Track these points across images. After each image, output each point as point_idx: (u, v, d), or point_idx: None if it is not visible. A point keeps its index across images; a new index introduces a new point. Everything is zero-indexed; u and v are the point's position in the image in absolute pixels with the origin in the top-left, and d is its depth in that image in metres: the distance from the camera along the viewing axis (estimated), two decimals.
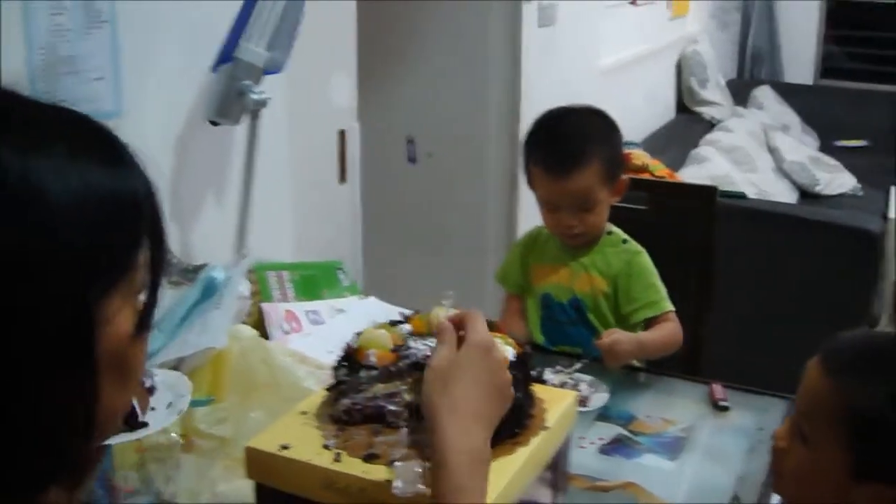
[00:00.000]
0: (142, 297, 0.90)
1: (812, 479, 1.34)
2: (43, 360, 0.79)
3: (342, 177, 2.58)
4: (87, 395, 0.84)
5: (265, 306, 2.15)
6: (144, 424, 1.47)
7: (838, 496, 1.30)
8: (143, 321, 0.90)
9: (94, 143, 0.87)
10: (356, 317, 2.21)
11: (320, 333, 2.18)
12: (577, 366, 2.09)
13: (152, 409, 1.48)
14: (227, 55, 1.92)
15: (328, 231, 2.60)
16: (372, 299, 2.35)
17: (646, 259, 2.23)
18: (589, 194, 2.13)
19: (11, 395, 0.78)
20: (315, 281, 2.36)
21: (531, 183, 2.22)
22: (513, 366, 1.39)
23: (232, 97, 1.92)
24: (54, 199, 0.79)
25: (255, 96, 1.91)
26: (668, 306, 2.20)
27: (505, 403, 1.26)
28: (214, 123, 1.99)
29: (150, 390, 1.57)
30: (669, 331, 2.19)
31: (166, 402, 1.53)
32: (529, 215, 3.51)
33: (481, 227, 3.68)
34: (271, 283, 2.25)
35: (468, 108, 3.61)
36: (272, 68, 1.95)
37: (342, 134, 2.57)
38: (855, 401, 1.27)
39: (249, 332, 1.77)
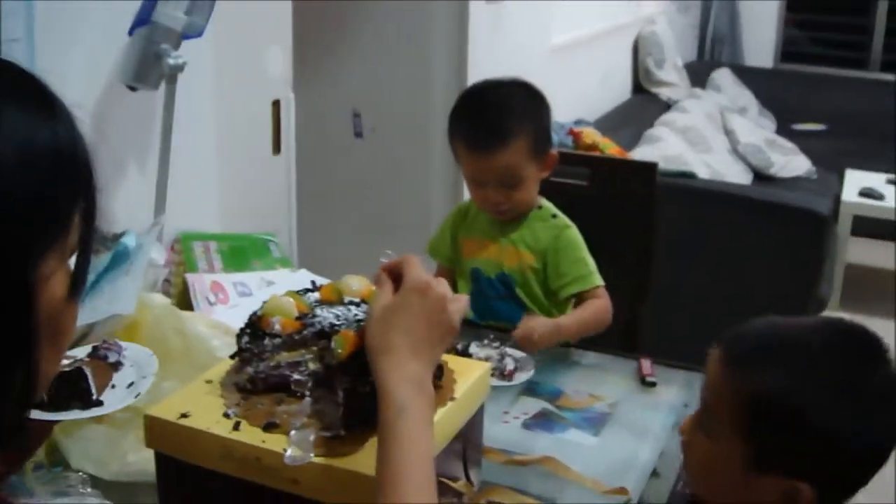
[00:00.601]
0: (72, 260, 0.89)
1: (716, 472, 1.31)
2: None
3: (276, 148, 2.54)
4: (28, 360, 0.83)
5: (189, 276, 2.12)
6: (99, 403, 1.40)
7: (742, 489, 1.27)
8: (77, 284, 0.89)
9: (30, 93, 0.85)
10: (285, 289, 2.17)
11: (248, 305, 2.12)
12: (507, 343, 2.06)
13: (112, 386, 1.40)
14: (144, 18, 1.88)
15: (261, 203, 2.56)
16: (303, 272, 2.31)
17: (574, 233, 2.20)
18: (514, 171, 2.09)
19: None
20: (244, 252, 2.32)
21: (457, 158, 2.19)
22: None
23: (149, 61, 1.88)
24: None
25: (171, 60, 1.86)
26: (597, 281, 2.17)
27: (448, 337, 1.25)
28: (132, 88, 1.94)
29: (115, 366, 1.50)
30: (593, 310, 2.15)
31: (128, 382, 1.45)
32: None
33: (425, 203, 3.65)
34: (197, 254, 2.21)
35: (414, 84, 3.58)
36: (191, 32, 1.91)
37: (276, 104, 2.53)
38: (753, 390, 1.25)
39: (162, 300, 1.73)
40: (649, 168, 2.67)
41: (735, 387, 1.27)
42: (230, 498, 1.32)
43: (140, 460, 1.56)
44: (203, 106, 2.23)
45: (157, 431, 1.35)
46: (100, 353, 1.36)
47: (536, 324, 2.04)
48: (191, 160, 2.19)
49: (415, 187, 3.66)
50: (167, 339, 1.69)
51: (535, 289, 2.21)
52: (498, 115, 2.10)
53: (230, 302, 2.15)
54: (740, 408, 1.25)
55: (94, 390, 1.33)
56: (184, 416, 1.33)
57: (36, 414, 1.22)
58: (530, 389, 1.97)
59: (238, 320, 1.97)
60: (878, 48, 7.33)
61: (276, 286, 2.22)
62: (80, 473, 1.54)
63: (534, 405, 1.92)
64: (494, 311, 2.23)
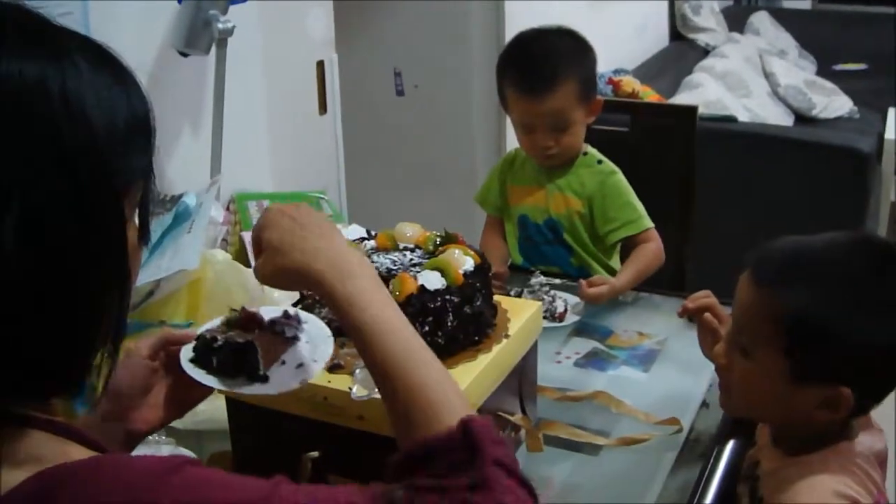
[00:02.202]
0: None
1: (756, 390, 1.37)
2: (88, 250, 0.85)
3: (323, 108, 2.59)
4: (123, 288, 0.90)
5: (246, 235, 2.18)
6: (265, 379, 1.25)
7: (784, 401, 1.33)
8: (144, 231, 0.96)
9: (107, 60, 0.91)
10: None
11: None
12: (556, 282, 2.11)
13: (283, 362, 1.27)
14: None
15: (310, 162, 2.62)
16: (354, 227, 2.36)
17: (621, 178, 2.24)
18: (563, 114, 2.14)
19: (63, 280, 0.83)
20: None
21: (505, 106, 2.23)
22: (471, 275, 1.42)
23: (199, 27, 1.94)
24: (90, 112, 0.84)
25: (221, 25, 1.92)
26: (648, 223, 2.21)
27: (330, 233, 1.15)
28: (184, 55, 2.00)
29: (291, 340, 1.34)
30: (645, 259, 2.19)
31: (297, 362, 1.29)
32: (516, 144, 3.53)
33: (469, 156, 3.69)
34: (252, 212, 2.28)
35: (453, 40, 3.61)
36: None
37: (321, 65, 2.58)
38: (786, 307, 1.30)
39: (224, 256, 1.80)
40: (689, 112, 2.69)
41: (768, 306, 1.32)
42: (300, 437, 1.38)
43: (209, 409, 1.63)
44: (251, 69, 2.28)
45: None
46: (277, 326, 1.29)
47: (602, 291, 2.06)
48: (241, 122, 2.25)
49: (458, 141, 3.70)
50: (231, 294, 1.76)
51: (583, 234, 2.25)
52: (546, 61, 2.14)
53: None
54: (775, 325, 1.31)
55: (261, 365, 1.25)
56: None
57: (199, 376, 1.24)
58: (581, 330, 2.03)
59: None
60: None
61: None
62: None
63: (585, 345, 1.98)
64: (543, 256, 2.28)
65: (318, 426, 1.36)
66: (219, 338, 1.23)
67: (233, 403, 1.45)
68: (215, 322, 1.30)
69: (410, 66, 3.72)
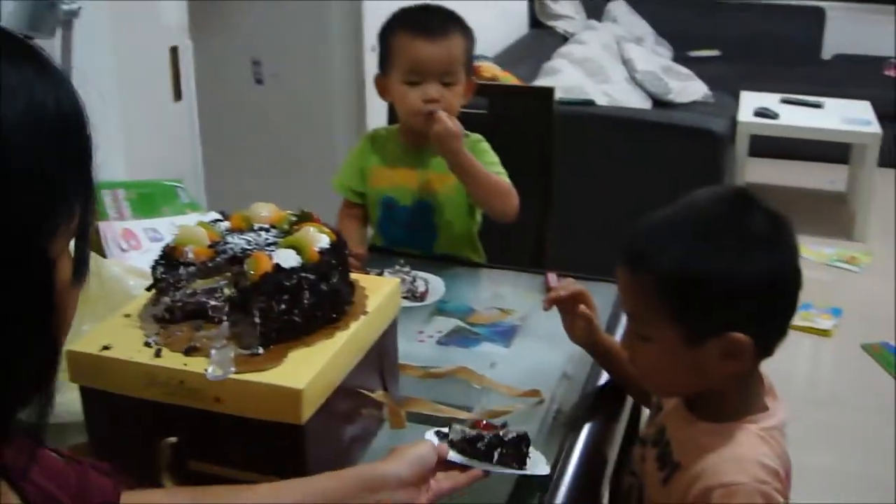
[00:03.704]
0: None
1: (665, 369, 1.42)
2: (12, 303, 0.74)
3: (177, 95, 2.54)
4: (51, 339, 0.80)
5: (101, 225, 2.13)
6: None
7: (692, 371, 1.38)
8: (80, 268, 0.85)
9: (27, 53, 0.79)
10: None
11: (160, 250, 2.17)
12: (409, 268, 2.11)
13: None
14: None
15: (165, 149, 2.57)
16: (212, 214, 2.33)
17: (487, 145, 2.26)
18: (453, 65, 2.14)
19: None
20: (153, 199, 2.33)
21: (388, 65, 2.19)
22: (327, 252, 1.42)
23: (42, 9, 1.87)
24: (7, 120, 0.71)
25: (65, 6, 1.86)
26: (508, 180, 2.22)
27: None
28: (28, 38, 1.93)
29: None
30: (496, 178, 2.19)
31: None
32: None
33: (329, 144, 3.68)
34: (106, 203, 2.22)
35: (311, 28, 3.59)
36: None
37: (174, 51, 2.53)
38: (657, 276, 1.36)
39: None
40: (546, 93, 2.73)
41: (644, 284, 1.38)
42: (157, 424, 1.36)
43: (65, 402, 1.58)
44: (100, 54, 2.22)
45: (80, 366, 1.38)
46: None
47: (458, 132, 2.09)
48: (92, 109, 2.18)
49: (319, 129, 3.69)
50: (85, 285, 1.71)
51: (459, 209, 2.27)
52: (443, 14, 2.21)
53: (143, 248, 2.17)
54: (656, 299, 1.36)
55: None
56: (105, 348, 1.37)
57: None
58: (442, 309, 2.04)
59: (149, 264, 2.02)
60: None
61: None
62: None
63: (447, 323, 1.99)
64: (406, 238, 2.28)
65: (175, 411, 1.33)
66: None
67: (86, 392, 1.41)
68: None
69: (270, 55, 3.69)
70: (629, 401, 1.79)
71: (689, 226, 1.37)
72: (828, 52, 7.12)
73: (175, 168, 2.54)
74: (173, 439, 1.35)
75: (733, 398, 1.39)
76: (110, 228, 2.14)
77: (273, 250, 1.42)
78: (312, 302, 1.38)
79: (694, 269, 1.33)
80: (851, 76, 6.39)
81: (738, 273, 1.31)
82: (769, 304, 1.35)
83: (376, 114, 3.57)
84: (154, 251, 2.12)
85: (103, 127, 2.27)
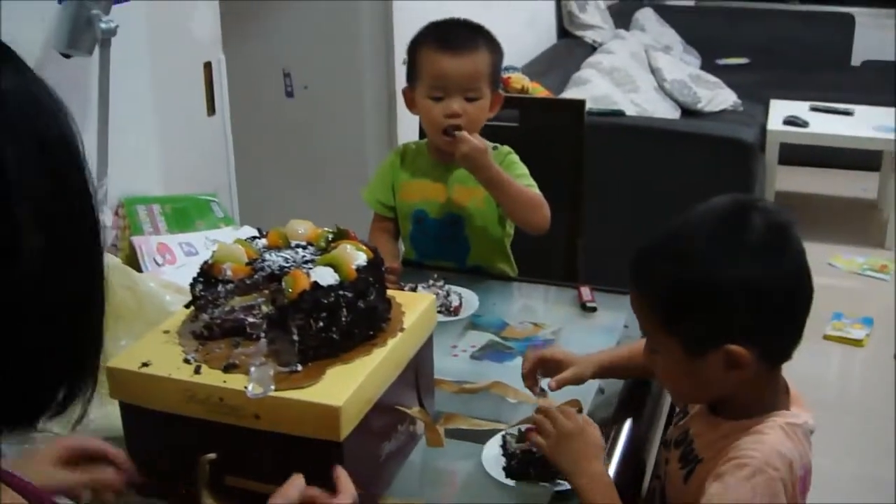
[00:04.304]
0: None
1: (674, 379, 1.46)
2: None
3: (211, 109, 2.56)
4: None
5: (135, 239, 2.15)
6: None
7: (698, 380, 1.40)
8: None
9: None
10: None
11: (195, 265, 2.17)
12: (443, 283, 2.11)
13: None
14: None
15: (199, 164, 2.58)
16: (246, 228, 2.35)
17: (516, 157, 2.26)
18: (476, 81, 2.14)
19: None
20: (187, 213, 2.35)
21: (415, 78, 2.20)
22: (363, 270, 1.43)
23: (81, 27, 1.89)
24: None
25: (104, 25, 1.88)
26: (539, 192, 2.21)
27: None
28: (66, 56, 1.96)
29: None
30: (528, 190, 2.19)
31: None
32: (407, 140, 3.54)
33: (361, 156, 3.69)
34: (141, 217, 2.24)
35: (342, 39, 3.60)
36: None
37: (208, 66, 2.55)
38: (653, 293, 1.39)
39: (112, 260, 1.77)
40: (577, 105, 2.73)
41: (646, 301, 1.41)
42: (195, 440, 1.37)
43: (100, 417, 1.60)
44: (137, 70, 2.24)
45: (119, 382, 1.40)
46: None
47: (483, 147, 2.10)
48: (129, 125, 2.20)
49: (349, 142, 3.70)
50: (119, 298, 1.73)
51: (490, 220, 2.26)
52: (468, 26, 2.21)
53: (178, 262, 2.19)
54: (655, 314, 1.39)
55: None
56: (145, 364, 1.39)
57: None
58: (476, 323, 2.05)
59: (187, 280, 2.03)
60: None
61: None
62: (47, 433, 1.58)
63: (480, 338, 1.99)
64: (438, 252, 2.28)
65: (214, 428, 1.35)
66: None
67: (125, 407, 1.43)
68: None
69: (300, 67, 3.70)
70: (665, 406, 1.79)
71: (680, 241, 1.38)
72: (857, 58, 7.06)
73: (209, 182, 2.56)
74: (212, 455, 1.36)
75: (756, 399, 1.40)
76: (146, 243, 2.16)
77: (311, 268, 1.43)
78: (350, 319, 1.39)
79: (680, 285, 1.35)
80: (881, 83, 6.33)
81: (728, 285, 1.31)
82: (768, 313, 1.34)
83: (407, 126, 3.59)
84: (189, 265, 2.17)
85: (139, 142, 2.31)
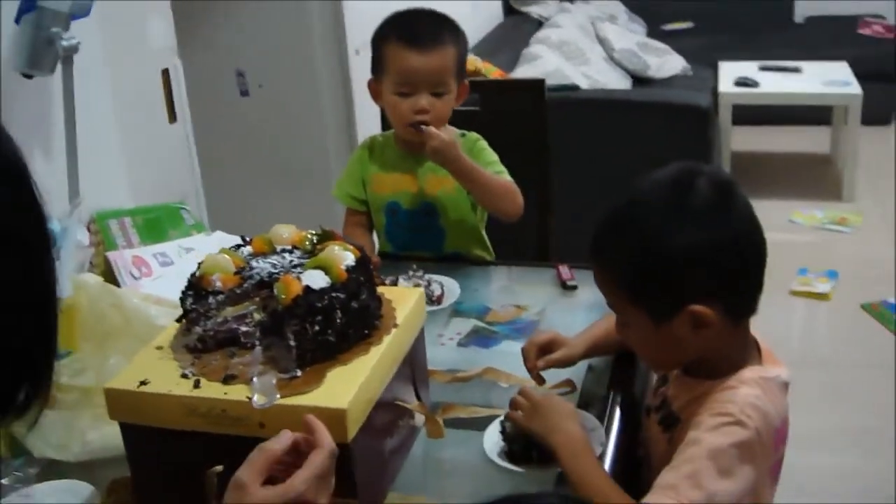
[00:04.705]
0: None
1: (647, 347, 1.51)
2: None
3: (172, 116, 2.54)
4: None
5: (111, 255, 2.13)
6: None
7: (668, 345, 1.44)
8: None
9: None
10: (206, 253, 2.21)
11: (172, 274, 2.17)
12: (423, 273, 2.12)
13: None
14: (29, 4, 1.86)
15: (165, 172, 2.57)
16: (218, 233, 2.35)
17: (485, 143, 2.27)
18: (443, 76, 2.14)
19: None
20: (159, 223, 2.34)
21: (381, 70, 2.19)
22: (353, 270, 1.43)
23: (41, 46, 1.87)
24: None
25: (65, 42, 1.86)
26: (510, 178, 2.23)
27: None
28: (28, 76, 1.94)
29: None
30: (498, 178, 2.21)
31: None
32: (367, 131, 3.52)
33: (322, 150, 3.67)
34: (114, 231, 2.23)
35: (294, 35, 3.58)
36: (79, 13, 1.90)
37: (166, 73, 2.53)
38: (609, 268, 1.46)
39: (95, 279, 1.76)
40: (537, 85, 2.74)
41: (606, 274, 1.47)
42: (200, 454, 1.37)
43: (99, 437, 1.60)
44: (96, 84, 2.21)
45: (118, 403, 1.39)
46: None
47: (454, 142, 2.12)
48: (93, 139, 2.18)
49: (309, 137, 3.68)
50: (105, 317, 1.72)
51: (463, 207, 2.27)
52: (433, 21, 2.20)
53: (154, 274, 2.18)
54: (617, 286, 1.45)
55: None
56: (143, 383, 1.38)
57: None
58: (459, 310, 2.06)
59: (165, 290, 2.03)
60: None
61: (196, 252, 2.25)
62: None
63: (465, 324, 2.00)
64: (414, 242, 2.29)
65: (218, 439, 1.35)
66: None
67: (126, 428, 1.42)
68: None
69: (253, 66, 3.67)
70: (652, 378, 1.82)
71: (631, 215, 1.43)
72: (800, 15, 7.14)
73: (176, 190, 2.55)
74: (219, 468, 1.36)
75: (726, 357, 1.44)
76: (121, 257, 2.15)
77: (300, 272, 1.43)
78: (345, 321, 1.39)
79: (637, 257, 1.40)
80: (826, 38, 6.43)
81: (681, 249, 1.36)
82: (723, 271, 1.39)
83: (366, 116, 3.58)
84: (166, 276, 2.17)
85: (105, 156, 2.29)
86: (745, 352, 1.47)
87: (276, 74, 3.65)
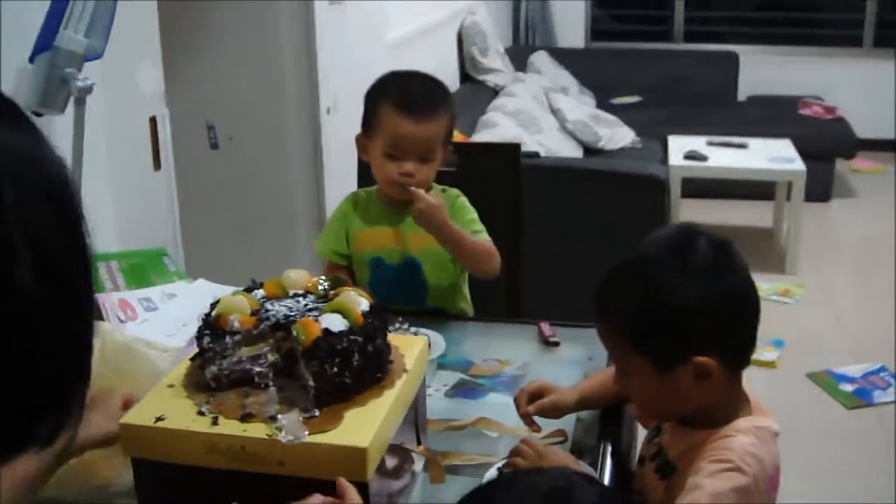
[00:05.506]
0: None
1: (647, 397, 1.57)
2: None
3: (157, 164, 2.57)
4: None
5: (100, 297, 2.14)
6: None
7: (669, 396, 1.51)
8: None
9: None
10: (189, 300, 2.23)
11: (156, 319, 2.19)
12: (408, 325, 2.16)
13: None
14: (45, 44, 1.89)
15: (148, 219, 2.58)
16: (201, 281, 2.37)
17: (465, 200, 2.33)
18: (433, 144, 2.20)
19: None
20: (143, 269, 2.36)
21: (371, 131, 2.24)
22: (368, 315, 1.48)
23: (54, 86, 1.90)
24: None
25: (80, 83, 1.89)
26: (488, 237, 2.29)
27: None
28: (37, 114, 1.95)
29: None
30: (478, 241, 2.26)
31: None
32: (335, 188, 3.58)
33: (290, 204, 3.70)
34: (102, 274, 2.24)
35: (266, 89, 3.62)
36: (91, 55, 1.94)
37: (153, 121, 2.56)
38: (615, 322, 1.53)
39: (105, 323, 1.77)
40: (513, 149, 2.83)
41: (612, 331, 1.54)
42: (215, 491, 1.39)
43: (101, 475, 1.60)
44: (96, 126, 2.23)
45: (134, 439, 1.41)
46: None
47: (440, 205, 2.15)
48: (85, 182, 2.20)
49: (276, 192, 3.70)
50: (110, 359, 1.72)
51: (445, 262, 2.31)
52: (428, 91, 2.26)
53: (139, 318, 2.19)
54: (623, 340, 1.51)
55: None
56: (159, 419, 1.40)
57: None
58: (442, 364, 2.09)
59: (149, 334, 2.05)
60: (679, 21, 7.76)
61: (179, 298, 2.28)
62: None
63: (450, 377, 2.04)
64: (397, 296, 2.32)
65: (234, 476, 1.37)
66: None
67: (138, 464, 1.44)
68: None
69: (223, 119, 3.70)
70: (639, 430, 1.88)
71: (636, 271, 1.51)
72: (742, 94, 7.39)
73: (156, 238, 2.57)
74: None
75: (722, 407, 1.51)
76: (108, 300, 2.17)
77: (317, 315, 1.47)
78: (361, 363, 1.43)
79: (643, 309, 1.48)
80: (768, 116, 6.65)
81: (685, 304, 1.44)
82: (725, 325, 1.47)
83: (334, 175, 3.64)
84: (151, 320, 2.18)
85: (94, 198, 2.29)
86: (739, 403, 1.54)
87: (247, 129, 3.68)
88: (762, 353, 4.26)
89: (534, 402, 1.78)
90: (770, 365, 4.21)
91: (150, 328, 2.14)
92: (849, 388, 4.02)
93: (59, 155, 0.88)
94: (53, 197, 0.84)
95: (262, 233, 3.68)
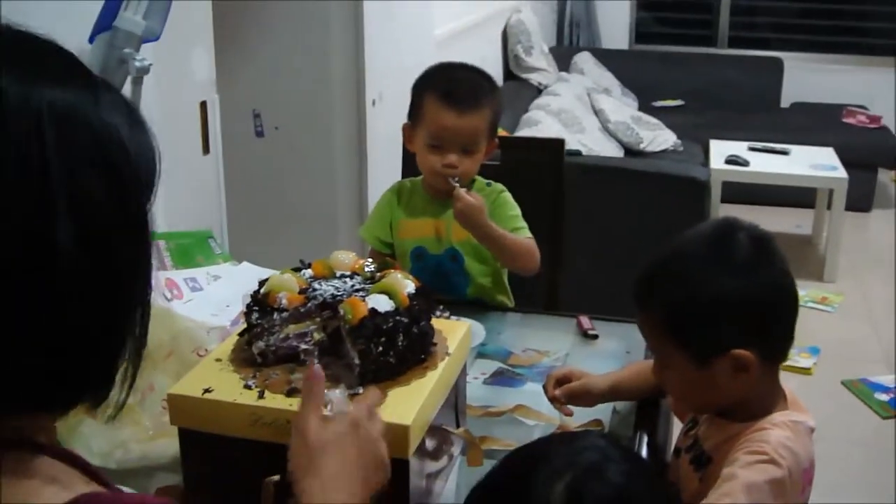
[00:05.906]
0: None
1: (686, 389, 1.59)
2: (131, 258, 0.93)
3: (206, 148, 2.61)
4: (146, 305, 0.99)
5: None
6: None
7: (708, 388, 1.52)
8: None
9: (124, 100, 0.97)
10: (233, 282, 2.27)
11: (201, 299, 2.23)
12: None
13: None
14: (105, 24, 1.93)
15: (195, 202, 2.63)
16: (245, 264, 2.41)
17: (509, 195, 2.36)
18: (476, 136, 2.23)
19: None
20: (190, 250, 2.40)
21: (417, 121, 2.27)
22: (414, 297, 1.50)
23: (112, 65, 1.94)
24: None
25: (137, 63, 1.92)
26: (529, 234, 2.32)
27: (377, 477, 1.24)
28: None
29: None
30: (519, 240, 2.28)
31: None
32: (378, 179, 3.61)
33: (332, 194, 3.74)
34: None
35: (312, 80, 3.66)
36: (149, 36, 1.97)
37: (203, 105, 2.60)
38: (658, 312, 1.54)
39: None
40: (557, 144, 2.85)
41: (651, 320, 1.56)
42: (258, 463, 1.41)
43: (140, 448, 1.63)
44: (150, 108, 2.27)
45: (181, 409, 1.44)
46: None
47: (482, 206, 2.18)
48: None
49: (320, 182, 3.74)
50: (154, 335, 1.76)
51: (486, 254, 2.34)
52: (473, 83, 2.28)
53: (184, 297, 2.23)
54: (662, 331, 1.53)
55: None
56: (207, 391, 1.43)
57: None
58: (482, 353, 2.12)
59: (194, 313, 2.08)
60: (724, 26, 7.74)
61: (223, 280, 2.32)
62: None
63: (489, 366, 2.07)
64: (439, 286, 2.34)
65: (276, 450, 1.39)
66: None
67: (185, 434, 1.47)
68: None
69: (270, 107, 3.75)
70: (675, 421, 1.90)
71: (678, 263, 1.53)
72: (786, 100, 7.35)
73: (203, 220, 2.61)
74: (276, 477, 1.41)
75: (759, 400, 1.53)
76: (155, 278, 2.20)
77: (363, 296, 1.50)
78: (405, 344, 1.46)
79: (683, 302, 1.49)
80: (811, 123, 6.62)
81: (725, 297, 1.46)
82: (763, 318, 1.49)
83: (377, 167, 3.67)
84: (196, 300, 2.22)
85: None
86: (775, 397, 1.55)
87: (293, 118, 3.72)
88: (798, 359, 4.26)
89: (563, 386, 1.81)
90: (806, 372, 4.20)
91: (195, 307, 2.18)
92: (884, 397, 4.00)
93: (124, 118, 0.91)
94: (102, 161, 0.87)
95: (303, 221, 3.72)
